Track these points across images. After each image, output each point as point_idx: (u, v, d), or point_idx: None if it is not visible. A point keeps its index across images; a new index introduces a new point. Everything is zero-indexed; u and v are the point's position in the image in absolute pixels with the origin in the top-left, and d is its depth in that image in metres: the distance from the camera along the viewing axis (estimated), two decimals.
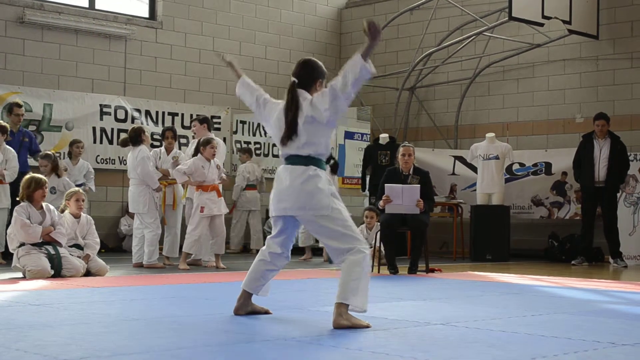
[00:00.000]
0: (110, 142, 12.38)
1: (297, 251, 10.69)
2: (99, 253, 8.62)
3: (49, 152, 10.41)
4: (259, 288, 4.94)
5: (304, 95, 4.72)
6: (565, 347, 3.98)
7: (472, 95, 13.83)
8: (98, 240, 8.50)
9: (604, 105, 12.08)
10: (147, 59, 12.97)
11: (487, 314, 5.21)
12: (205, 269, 9.29)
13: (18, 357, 3.54)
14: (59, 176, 10.18)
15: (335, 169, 11.32)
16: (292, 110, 4.68)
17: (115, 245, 12.30)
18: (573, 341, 4.15)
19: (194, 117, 10.84)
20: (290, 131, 4.68)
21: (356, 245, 4.59)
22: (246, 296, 4.95)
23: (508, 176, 12.43)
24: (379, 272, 8.93)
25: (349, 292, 4.48)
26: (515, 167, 12.63)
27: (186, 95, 13.37)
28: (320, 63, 4.88)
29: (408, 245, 10.23)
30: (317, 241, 10.65)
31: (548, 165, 12.45)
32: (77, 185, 10.01)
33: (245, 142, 13.68)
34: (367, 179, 12.28)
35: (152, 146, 10.46)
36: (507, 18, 11.50)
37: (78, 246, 8.21)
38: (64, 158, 11.26)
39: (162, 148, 10.21)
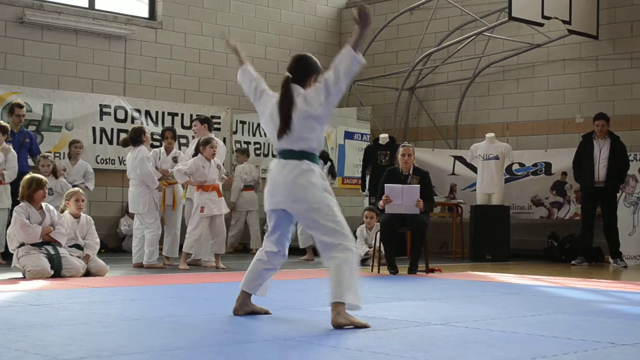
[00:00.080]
0: (110, 142, 12.38)
1: (298, 251, 10.70)
2: (99, 253, 8.62)
3: (48, 154, 10.42)
4: (257, 288, 4.95)
5: (297, 91, 4.72)
6: (565, 347, 3.98)
7: (472, 95, 13.82)
8: (98, 240, 8.50)
9: (603, 105, 12.07)
10: (147, 59, 12.97)
11: (487, 314, 5.21)
12: (205, 269, 9.30)
13: (18, 357, 3.54)
14: (56, 177, 10.19)
15: (334, 172, 11.31)
16: (285, 105, 4.68)
17: (115, 246, 12.29)
18: (573, 341, 4.15)
19: (194, 117, 10.84)
20: (284, 126, 4.69)
21: (344, 242, 4.60)
22: (245, 296, 4.96)
23: (508, 176, 12.42)
24: (379, 272, 8.93)
25: (343, 290, 4.49)
26: (515, 167, 12.62)
27: (186, 96, 13.37)
28: (315, 59, 4.88)
29: (408, 245, 10.22)
30: None
31: (548, 166, 12.44)
32: (74, 186, 10.00)
33: (245, 142, 13.67)
34: (367, 179, 12.26)
35: (152, 146, 10.46)
36: (507, 18, 11.49)
37: (78, 246, 8.21)
38: (63, 158, 11.26)
39: (162, 148, 10.21)
